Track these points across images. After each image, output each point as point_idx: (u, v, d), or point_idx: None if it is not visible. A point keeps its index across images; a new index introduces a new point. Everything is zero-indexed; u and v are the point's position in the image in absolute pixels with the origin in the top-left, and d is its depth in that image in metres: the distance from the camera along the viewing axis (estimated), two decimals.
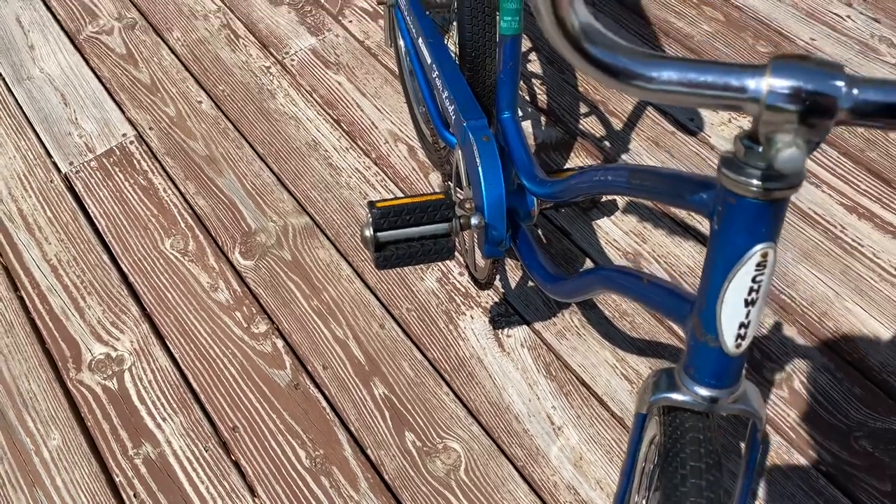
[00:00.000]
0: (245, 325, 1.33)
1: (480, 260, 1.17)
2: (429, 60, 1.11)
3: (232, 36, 1.79)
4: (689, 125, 1.54)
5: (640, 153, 1.50)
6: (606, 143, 1.53)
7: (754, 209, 0.50)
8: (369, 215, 0.91)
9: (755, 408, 0.60)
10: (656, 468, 0.79)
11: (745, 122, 1.54)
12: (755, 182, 0.49)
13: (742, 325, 0.55)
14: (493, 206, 0.96)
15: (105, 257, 1.44)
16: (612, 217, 1.42)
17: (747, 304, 0.54)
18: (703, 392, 0.59)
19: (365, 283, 1.37)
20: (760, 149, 0.49)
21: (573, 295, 0.85)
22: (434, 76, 1.09)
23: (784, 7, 1.74)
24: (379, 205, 0.90)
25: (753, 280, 0.53)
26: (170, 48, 1.77)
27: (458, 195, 1.18)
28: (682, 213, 1.41)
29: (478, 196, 0.98)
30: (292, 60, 1.73)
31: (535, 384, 1.24)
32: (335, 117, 1.62)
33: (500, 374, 1.26)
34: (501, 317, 1.32)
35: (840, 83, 0.40)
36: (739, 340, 0.56)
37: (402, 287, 1.36)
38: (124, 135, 1.62)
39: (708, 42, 1.68)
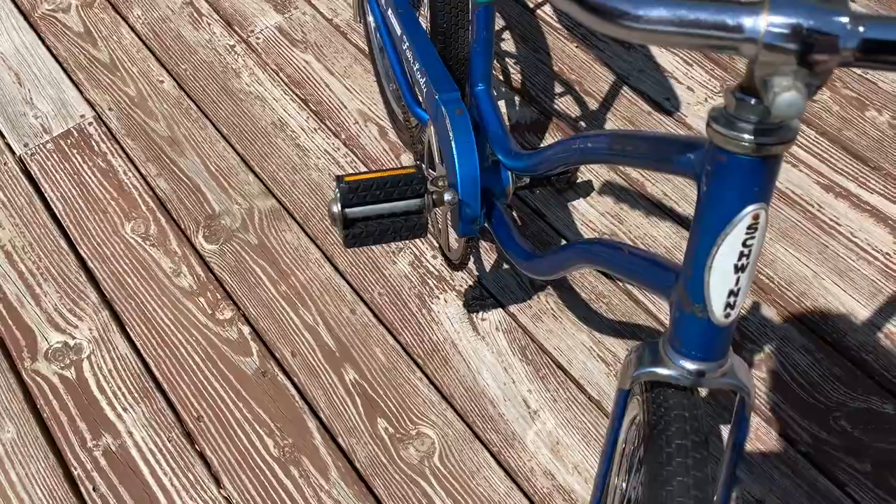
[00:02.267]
0: (209, 312, 1.28)
1: (454, 240, 1.13)
2: (399, 32, 1.06)
3: (195, 14, 1.72)
4: (665, 105, 1.51)
5: None
6: (582, 123, 1.50)
7: (746, 166, 0.47)
8: (337, 190, 0.86)
9: (743, 382, 0.57)
10: (637, 449, 0.76)
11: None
12: (747, 137, 0.46)
13: (731, 293, 0.52)
14: (468, 182, 0.93)
15: (62, 242, 1.38)
16: (588, 198, 1.39)
17: (737, 269, 0.51)
18: (690, 365, 0.56)
19: (335, 267, 1.33)
20: (753, 101, 0.45)
21: (551, 272, 0.81)
22: (405, 48, 1.05)
23: None
24: (347, 179, 0.86)
25: (744, 244, 0.50)
26: (130, 26, 1.71)
27: (431, 175, 1.14)
28: (658, 194, 1.39)
29: (451, 171, 0.94)
30: (258, 39, 1.67)
31: (511, 368, 1.21)
32: (303, 97, 1.57)
33: (475, 358, 1.22)
34: (476, 300, 1.28)
35: (844, 19, 0.37)
36: (728, 310, 0.53)
37: (373, 271, 1.32)
38: (82, 115, 1.55)
39: None
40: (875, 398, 1.15)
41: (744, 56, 0.39)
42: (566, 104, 1.53)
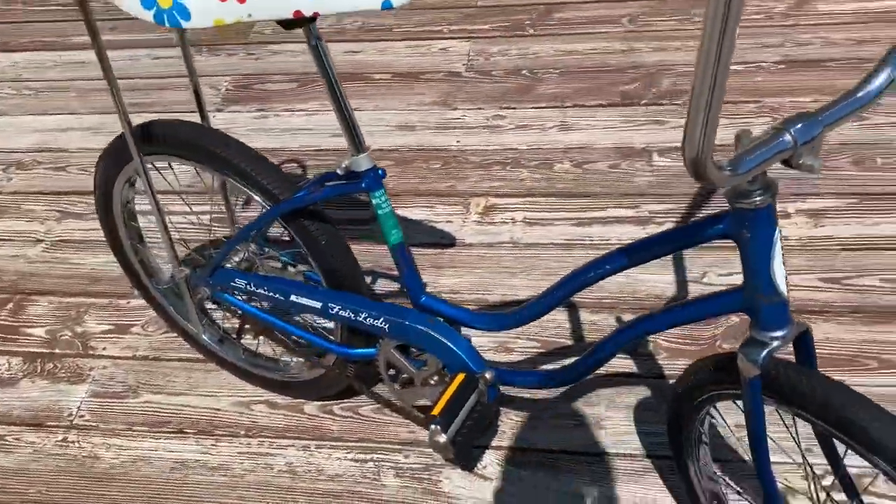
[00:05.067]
0: None
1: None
2: (319, 305, 1.23)
3: None
4: (444, 241, 1.85)
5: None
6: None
7: (768, 211, 0.82)
8: (436, 426, 1.01)
9: (804, 323, 0.91)
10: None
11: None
12: (760, 199, 0.81)
13: (784, 278, 0.86)
14: (475, 359, 1.15)
15: None
16: None
17: (783, 264, 0.85)
18: (782, 332, 0.89)
19: None
20: (750, 181, 0.80)
21: (599, 365, 1.08)
22: (335, 312, 1.22)
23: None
24: (435, 412, 1.01)
25: (781, 249, 0.84)
26: None
27: (388, 385, 1.30)
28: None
29: (456, 360, 1.14)
30: (82, 417, 1.60)
31: (538, 484, 1.42)
32: (175, 429, 1.56)
33: (509, 497, 1.40)
34: (453, 462, 1.46)
35: (815, 120, 0.73)
36: (786, 288, 0.87)
37: (376, 502, 1.41)
38: None
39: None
40: None
41: (788, 153, 0.74)
42: (384, 284, 1.78)
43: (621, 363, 1.56)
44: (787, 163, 0.75)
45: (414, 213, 1.93)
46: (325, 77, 1.05)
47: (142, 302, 1.75)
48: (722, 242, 1.70)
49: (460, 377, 1.08)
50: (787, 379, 0.90)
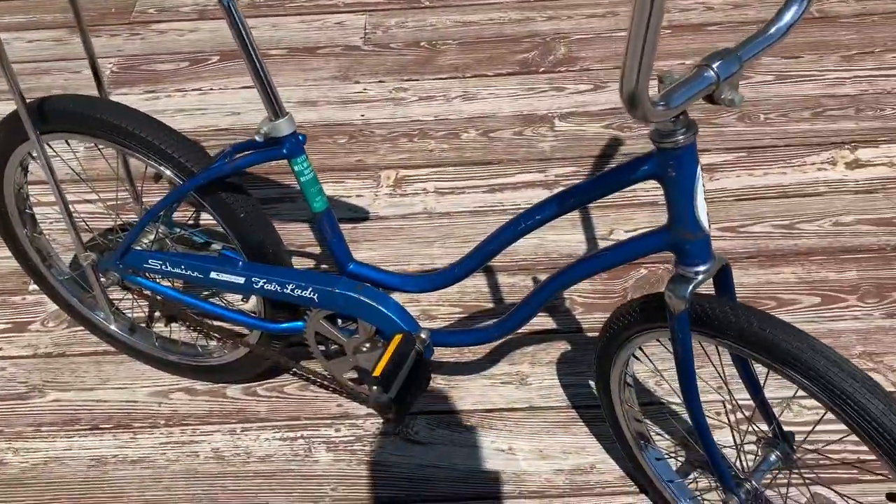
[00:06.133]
0: None
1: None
2: (241, 280, 1.19)
3: None
4: (358, 215, 1.84)
5: None
6: (324, 266, 1.73)
7: (691, 148, 0.85)
8: (378, 386, 1.00)
9: (723, 258, 0.96)
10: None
11: None
12: (683, 137, 0.84)
13: (707, 214, 0.91)
14: (408, 321, 1.15)
15: None
16: None
17: (704, 200, 0.90)
18: (705, 267, 0.93)
19: None
20: (673, 121, 0.83)
21: (534, 314, 1.10)
22: (260, 286, 1.18)
23: None
24: (376, 373, 1.00)
25: (702, 185, 0.88)
26: None
27: (318, 357, 1.29)
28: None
29: (390, 324, 1.14)
30: None
31: (468, 441, 1.44)
32: (88, 426, 1.48)
33: (446, 455, 1.41)
34: (395, 425, 1.46)
35: (734, 56, 0.77)
36: (708, 224, 0.91)
37: (310, 480, 1.39)
38: None
39: None
40: None
41: (712, 88, 0.77)
42: (300, 262, 1.74)
43: (541, 321, 1.60)
44: (709, 98, 0.79)
45: (324, 189, 1.89)
46: (239, 37, 1.01)
47: (39, 297, 1.65)
48: (624, 200, 1.79)
49: (397, 338, 1.07)
50: (712, 310, 0.94)
